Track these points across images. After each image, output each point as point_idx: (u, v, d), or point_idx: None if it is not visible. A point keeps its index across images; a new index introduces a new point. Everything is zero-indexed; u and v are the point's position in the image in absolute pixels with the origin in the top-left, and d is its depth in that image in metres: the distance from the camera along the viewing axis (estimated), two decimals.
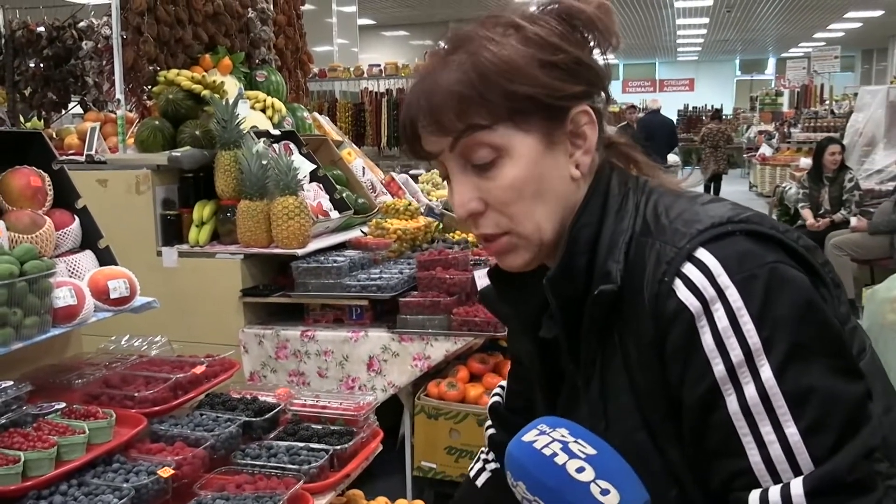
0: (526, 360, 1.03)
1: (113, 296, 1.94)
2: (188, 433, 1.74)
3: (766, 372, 0.75)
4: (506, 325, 1.12)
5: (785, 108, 17.17)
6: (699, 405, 0.78)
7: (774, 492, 0.74)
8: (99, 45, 4.37)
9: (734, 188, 14.95)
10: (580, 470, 0.77)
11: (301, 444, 1.79)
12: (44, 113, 4.60)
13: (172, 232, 3.13)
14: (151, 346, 2.18)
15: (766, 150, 14.14)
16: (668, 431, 0.82)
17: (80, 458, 1.56)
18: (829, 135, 9.48)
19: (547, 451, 0.78)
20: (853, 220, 6.61)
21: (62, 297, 1.78)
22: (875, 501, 0.73)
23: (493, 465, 1.17)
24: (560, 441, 0.79)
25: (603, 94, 0.90)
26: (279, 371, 2.99)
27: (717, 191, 14.37)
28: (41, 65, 4.61)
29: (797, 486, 0.73)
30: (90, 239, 2.14)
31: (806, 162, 10.01)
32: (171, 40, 3.34)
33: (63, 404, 1.73)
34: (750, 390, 0.75)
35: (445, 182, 0.91)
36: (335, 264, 2.95)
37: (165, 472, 1.58)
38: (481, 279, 2.78)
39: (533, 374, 1.01)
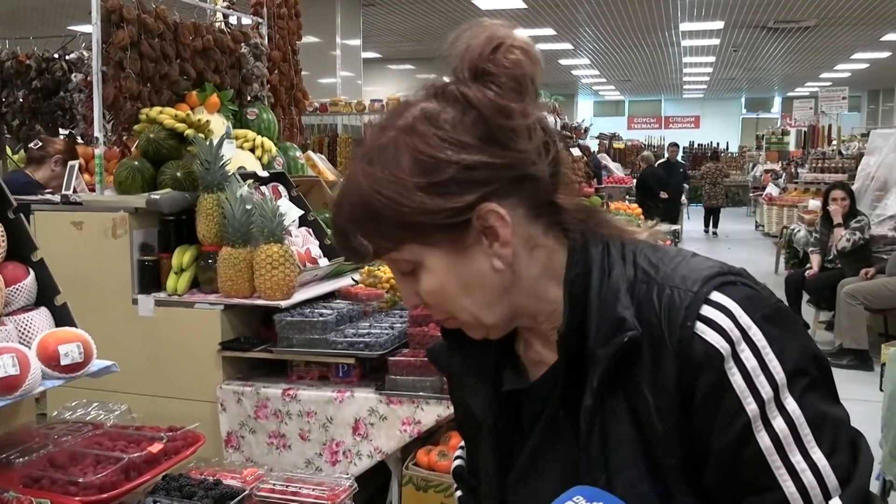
0: (478, 413, 0.98)
1: (64, 362, 1.74)
2: None
3: (791, 404, 0.79)
4: (452, 381, 1.09)
5: (791, 148, 17.02)
6: (732, 445, 0.80)
7: None
8: (88, 78, 4.22)
9: (740, 226, 14.77)
10: None
11: None
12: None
13: (149, 279, 2.93)
14: (110, 415, 1.97)
15: (772, 189, 13.98)
16: (682, 479, 0.82)
17: None
18: (836, 179, 9.31)
19: None
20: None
21: (2, 367, 1.59)
22: None
23: None
24: None
25: (547, 158, 0.85)
26: (258, 432, 2.78)
27: (715, 222, 15.03)
28: (29, 96, 4.49)
29: None
30: (46, 294, 1.95)
31: (815, 203, 9.81)
32: (155, 76, 3.17)
33: None
34: (779, 423, 0.79)
35: None
36: (321, 318, 2.75)
37: None
38: None
39: (483, 428, 0.98)
